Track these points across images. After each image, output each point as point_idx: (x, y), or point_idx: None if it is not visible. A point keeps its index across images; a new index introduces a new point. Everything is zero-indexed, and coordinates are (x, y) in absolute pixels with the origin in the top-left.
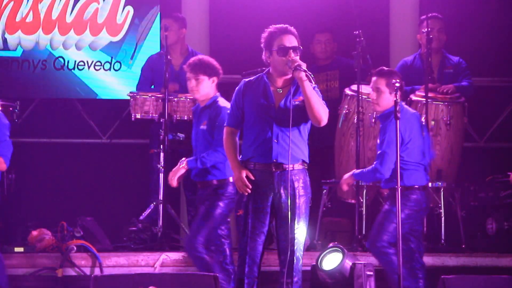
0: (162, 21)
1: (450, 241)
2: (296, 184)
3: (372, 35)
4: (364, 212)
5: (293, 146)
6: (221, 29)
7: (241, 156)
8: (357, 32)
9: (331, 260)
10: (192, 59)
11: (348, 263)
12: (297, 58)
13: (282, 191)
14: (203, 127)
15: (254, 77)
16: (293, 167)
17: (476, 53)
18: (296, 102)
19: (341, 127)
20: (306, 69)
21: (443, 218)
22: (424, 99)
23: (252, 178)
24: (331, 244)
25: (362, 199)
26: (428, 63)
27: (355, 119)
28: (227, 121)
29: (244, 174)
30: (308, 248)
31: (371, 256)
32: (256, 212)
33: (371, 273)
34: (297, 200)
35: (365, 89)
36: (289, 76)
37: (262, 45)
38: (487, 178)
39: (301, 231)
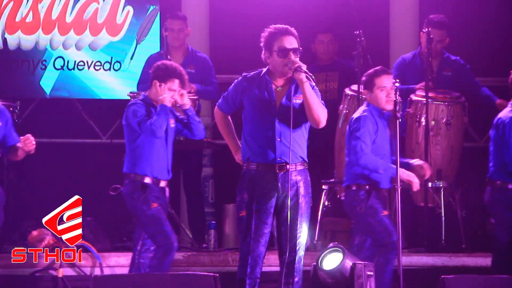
0: (172, 22)
1: (450, 241)
2: (299, 184)
3: (372, 35)
4: None
5: (296, 145)
6: (221, 29)
7: (241, 155)
8: (357, 32)
9: (332, 260)
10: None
11: (349, 263)
12: (297, 59)
13: (286, 191)
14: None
15: (254, 72)
16: (295, 167)
17: (476, 53)
18: (297, 101)
19: (341, 127)
20: (306, 70)
21: (443, 218)
22: (424, 99)
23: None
24: (331, 244)
25: None
26: (428, 63)
27: None
28: (221, 103)
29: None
30: (308, 248)
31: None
32: (260, 213)
33: (372, 273)
34: (299, 200)
35: None
36: (289, 75)
37: (261, 44)
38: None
39: (303, 231)
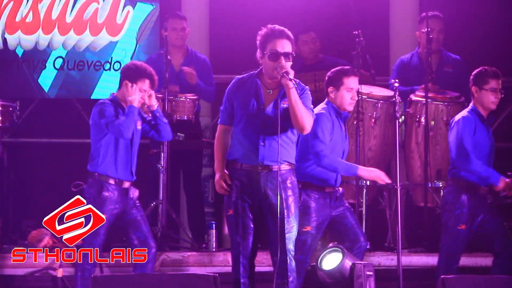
0: (174, 21)
1: None
2: (283, 185)
3: (372, 35)
4: (364, 212)
5: (281, 149)
6: (221, 29)
7: (228, 154)
8: (357, 32)
9: (331, 260)
10: None
11: (348, 263)
12: (287, 64)
13: (269, 191)
14: None
15: (247, 74)
16: (279, 168)
17: (476, 53)
18: (285, 105)
19: None
20: (292, 78)
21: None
22: (424, 99)
23: (229, 182)
24: (331, 244)
25: (362, 199)
26: (428, 63)
27: (355, 119)
28: (220, 119)
29: (222, 178)
30: None
31: (371, 256)
32: (246, 211)
33: (371, 273)
34: (284, 201)
35: (365, 89)
36: (278, 79)
37: (257, 43)
38: None
39: (291, 231)
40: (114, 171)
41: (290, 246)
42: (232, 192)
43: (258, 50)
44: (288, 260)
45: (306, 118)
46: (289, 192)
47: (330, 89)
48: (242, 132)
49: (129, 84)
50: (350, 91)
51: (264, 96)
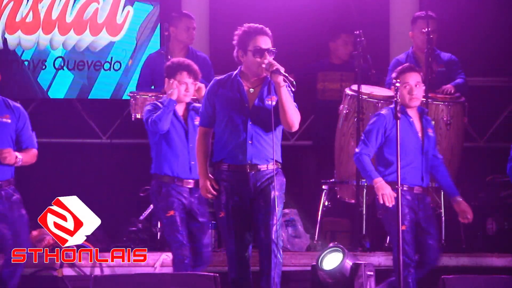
0: (188, 21)
1: (450, 241)
2: (272, 185)
3: (372, 35)
4: (364, 212)
5: (268, 147)
6: (221, 29)
7: (213, 157)
8: (357, 32)
9: (332, 260)
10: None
11: (349, 263)
12: (274, 61)
13: (257, 191)
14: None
15: (225, 75)
16: (267, 167)
17: (476, 53)
18: (269, 102)
19: (341, 127)
20: (285, 73)
21: (443, 218)
22: (424, 99)
23: (216, 187)
24: (331, 244)
25: (362, 199)
26: (428, 63)
27: (355, 119)
28: (200, 121)
29: (208, 183)
30: (308, 248)
31: (371, 256)
32: (237, 212)
33: (372, 273)
34: (272, 201)
35: (365, 89)
36: (262, 76)
37: (234, 42)
38: (487, 178)
39: (278, 231)
40: (171, 169)
41: (277, 245)
42: (221, 194)
43: (237, 49)
44: (273, 255)
45: (295, 115)
46: (277, 192)
47: (392, 89)
48: (227, 132)
49: (168, 80)
50: (406, 86)
51: (247, 94)
